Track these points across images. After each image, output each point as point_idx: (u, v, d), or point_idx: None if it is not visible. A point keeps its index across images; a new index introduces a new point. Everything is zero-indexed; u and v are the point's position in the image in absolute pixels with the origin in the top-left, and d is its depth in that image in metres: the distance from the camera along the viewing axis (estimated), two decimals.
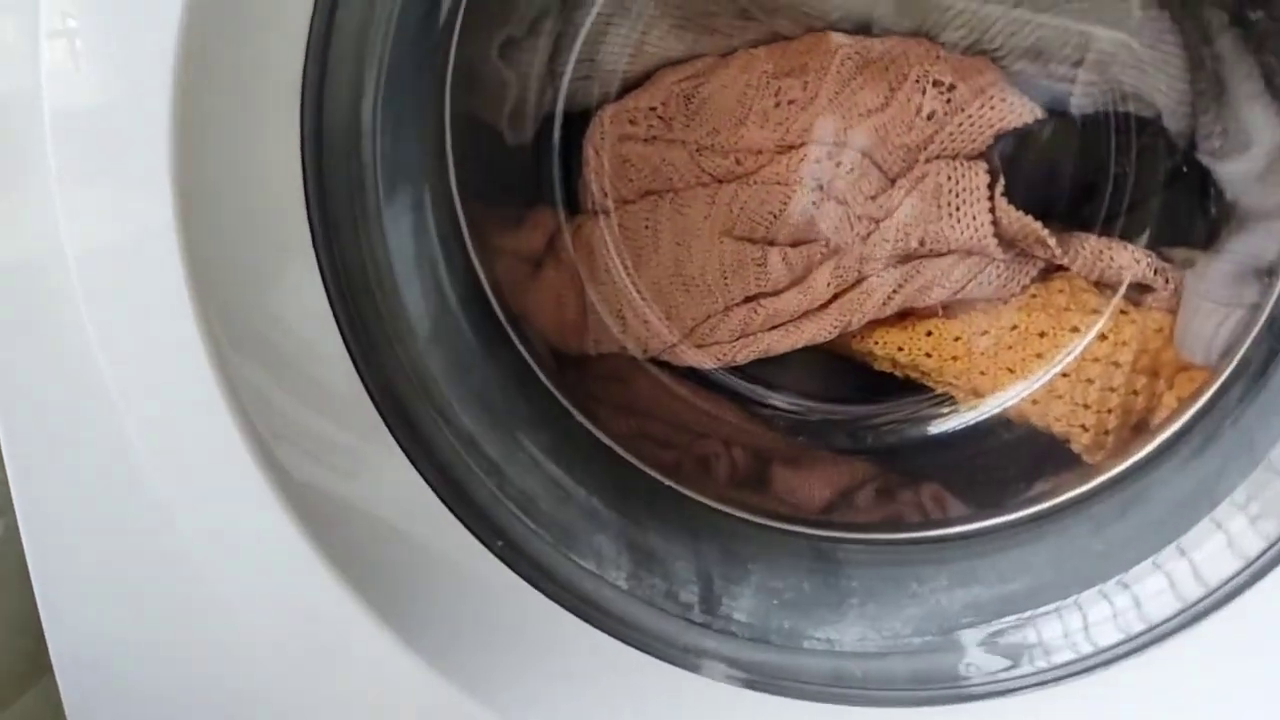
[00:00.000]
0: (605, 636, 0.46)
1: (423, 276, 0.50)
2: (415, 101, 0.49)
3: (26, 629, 0.71)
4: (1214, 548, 0.40)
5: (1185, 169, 0.49)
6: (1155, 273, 0.51)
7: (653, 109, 0.54)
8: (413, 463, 0.45)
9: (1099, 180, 0.53)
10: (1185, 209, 0.50)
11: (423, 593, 0.45)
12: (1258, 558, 0.37)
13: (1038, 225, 0.50)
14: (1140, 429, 0.51)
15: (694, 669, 0.46)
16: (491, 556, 0.46)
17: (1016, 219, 0.50)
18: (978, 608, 0.46)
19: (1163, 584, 0.41)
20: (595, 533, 0.50)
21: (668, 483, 0.55)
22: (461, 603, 0.46)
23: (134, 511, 0.45)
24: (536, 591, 0.46)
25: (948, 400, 0.58)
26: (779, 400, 0.61)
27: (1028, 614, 0.44)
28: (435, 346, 0.50)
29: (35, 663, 0.73)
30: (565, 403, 0.55)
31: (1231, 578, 0.38)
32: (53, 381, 0.44)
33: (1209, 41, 0.45)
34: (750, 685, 0.45)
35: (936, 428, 0.58)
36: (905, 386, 0.59)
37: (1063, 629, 0.43)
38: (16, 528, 0.67)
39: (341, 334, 0.43)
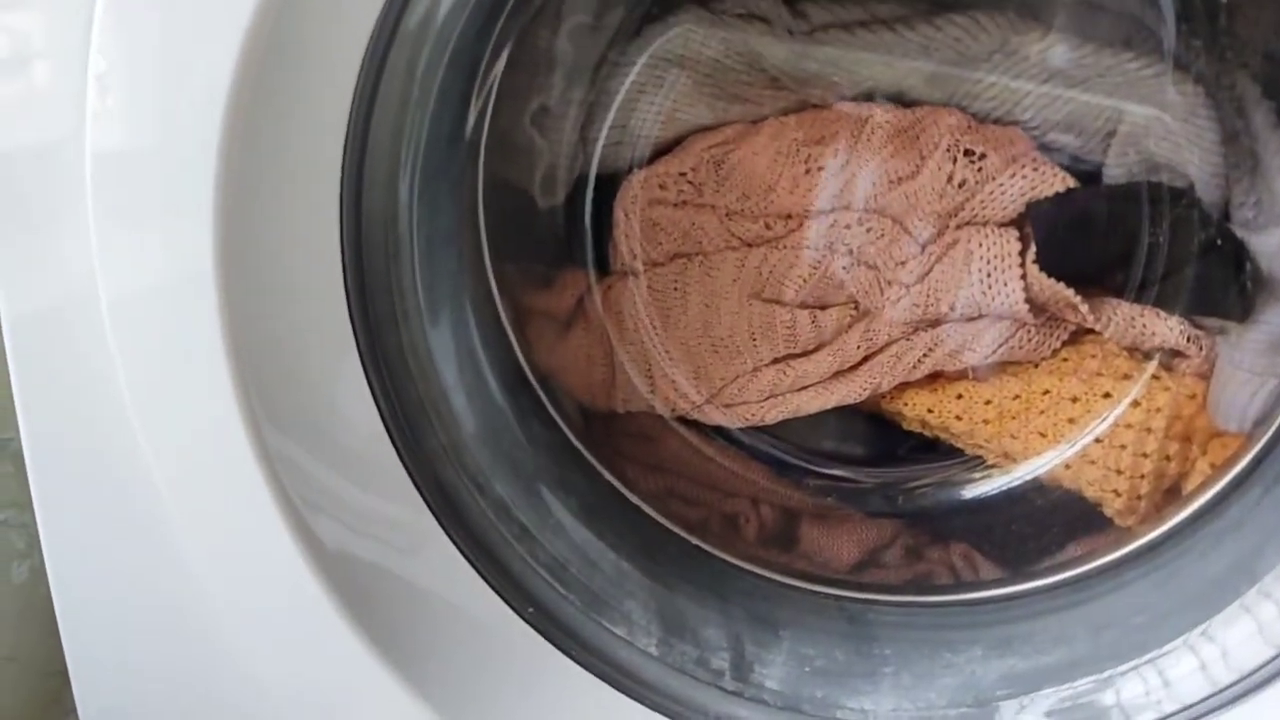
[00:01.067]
0: (636, 705, 0.46)
1: (457, 346, 0.51)
2: (449, 172, 0.50)
3: (51, 670, 0.72)
4: (1244, 632, 0.40)
5: (1220, 240, 0.48)
6: (1189, 340, 0.51)
7: (683, 174, 0.54)
8: (445, 530, 0.46)
9: (1133, 248, 0.53)
10: (1220, 279, 0.50)
11: (454, 660, 0.45)
12: None
13: (1070, 292, 0.50)
14: (1173, 494, 0.51)
15: None
16: (523, 623, 0.46)
17: (1048, 286, 0.50)
18: (1014, 679, 0.46)
19: (1194, 664, 0.41)
20: (625, 598, 0.50)
21: (695, 542, 0.55)
22: (492, 670, 0.46)
23: (163, 572, 0.46)
24: (568, 659, 0.46)
25: (980, 463, 0.58)
26: (807, 461, 0.61)
27: (1066, 687, 0.44)
28: (469, 415, 0.50)
29: (60, 704, 0.74)
30: (595, 463, 0.56)
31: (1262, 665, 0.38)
32: (84, 432, 0.45)
33: (1243, 115, 0.45)
34: None
35: (970, 491, 0.58)
36: (936, 449, 0.58)
37: (1100, 703, 0.42)
38: (41, 570, 0.69)
39: (376, 405, 0.44)
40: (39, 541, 0.69)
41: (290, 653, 0.45)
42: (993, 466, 0.57)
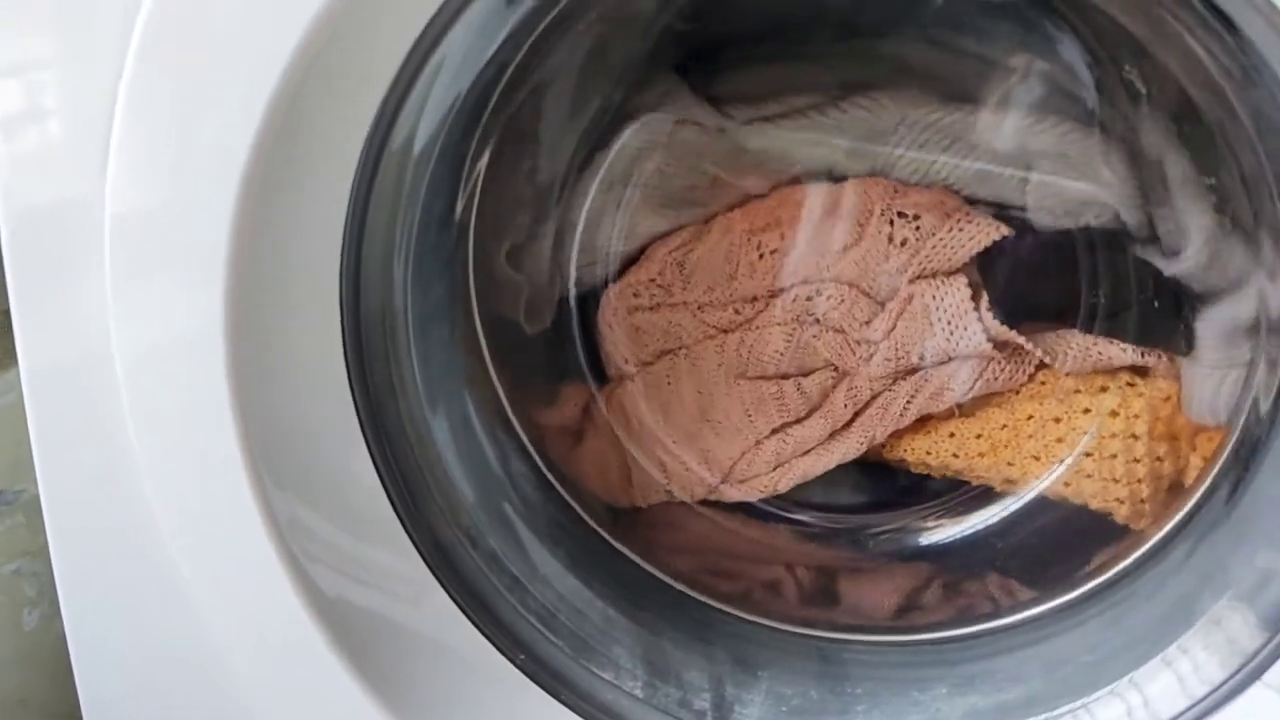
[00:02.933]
0: None
1: (450, 416, 0.53)
2: (441, 254, 0.53)
3: (60, 713, 0.74)
4: (1166, 684, 0.43)
5: (1156, 284, 0.52)
6: (1144, 355, 0.53)
7: (652, 280, 0.58)
8: (440, 580, 0.48)
9: (1077, 286, 0.56)
10: (1160, 320, 0.53)
11: (447, 704, 0.47)
12: (1219, 685, 0.40)
13: (1020, 339, 0.53)
14: (1176, 489, 0.53)
15: None
16: (514, 669, 0.48)
17: (1001, 331, 0.53)
18: (976, 715, 0.49)
19: (1120, 711, 0.43)
20: (612, 644, 0.52)
21: (679, 588, 0.58)
22: (485, 714, 0.48)
23: (173, 619, 0.47)
24: (557, 702, 0.48)
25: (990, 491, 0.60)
26: (827, 518, 0.63)
27: None
28: (465, 482, 0.52)
29: None
30: (584, 515, 0.58)
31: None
32: (97, 484, 0.46)
33: (1138, 135, 0.48)
34: None
35: (982, 520, 0.60)
36: (947, 485, 0.61)
37: None
38: (50, 617, 0.71)
39: (375, 468, 0.46)
40: (49, 589, 0.71)
41: (292, 695, 0.46)
42: (1001, 493, 0.59)
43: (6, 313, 0.78)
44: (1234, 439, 0.49)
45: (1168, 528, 0.51)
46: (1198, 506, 0.50)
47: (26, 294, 0.44)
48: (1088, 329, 0.55)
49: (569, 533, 0.57)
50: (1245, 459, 0.48)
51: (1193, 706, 0.41)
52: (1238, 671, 0.40)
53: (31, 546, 0.70)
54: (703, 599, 0.57)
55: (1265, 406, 0.47)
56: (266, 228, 0.40)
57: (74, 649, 0.50)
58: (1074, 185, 0.49)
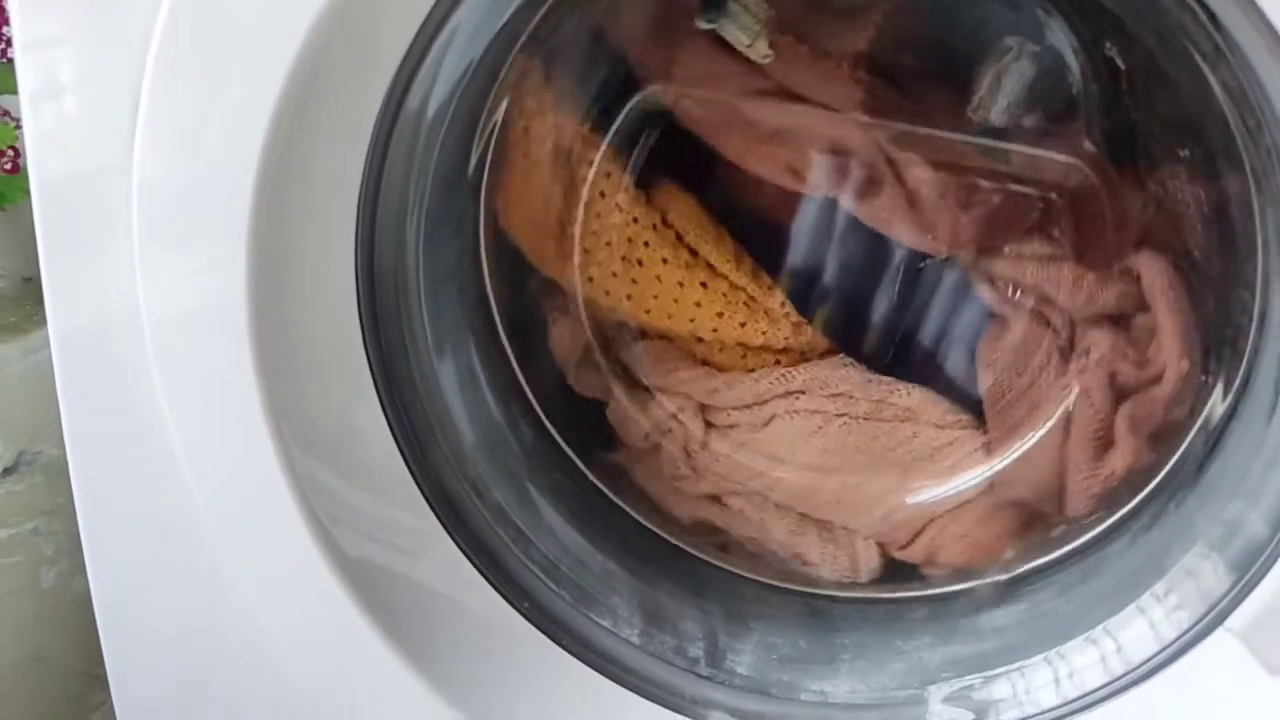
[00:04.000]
0: (620, 688, 0.51)
1: (458, 368, 0.55)
2: (452, 213, 0.54)
3: (77, 670, 0.76)
4: (1138, 631, 0.45)
5: None
6: None
7: None
8: (449, 534, 0.50)
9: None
10: None
11: (458, 650, 0.49)
12: (1185, 631, 0.43)
13: None
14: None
15: (701, 718, 0.50)
16: (519, 616, 0.51)
17: None
18: (956, 663, 0.51)
19: (1094, 657, 0.46)
20: (611, 594, 0.55)
21: (675, 543, 0.60)
22: (492, 659, 0.50)
23: (197, 577, 0.49)
24: (559, 648, 0.51)
25: None
26: None
27: (989, 673, 0.49)
28: (469, 428, 0.54)
29: (85, 702, 0.78)
30: (585, 469, 0.60)
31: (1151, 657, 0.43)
32: (123, 443, 0.48)
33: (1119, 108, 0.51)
34: None
35: None
36: None
37: (1011, 689, 0.48)
38: (68, 575, 0.73)
39: (388, 423, 0.48)
40: (67, 548, 0.73)
41: (314, 646, 0.48)
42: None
43: (27, 279, 0.81)
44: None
45: (1141, 494, 0.53)
46: (1170, 474, 0.52)
47: (56, 260, 0.45)
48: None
49: (570, 487, 0.59)
50: (1218, 436, 0.50)
51: (1162, 650, 0.44)
52: (1203, 617, 0.43)
53: (49, 506, 0.71)
54: (698, 554, 0.60)
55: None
56: (286, 195, 0.42)
57: (99, 607, 0.52)
58: (1058, 157, 0.51)
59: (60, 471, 0.72)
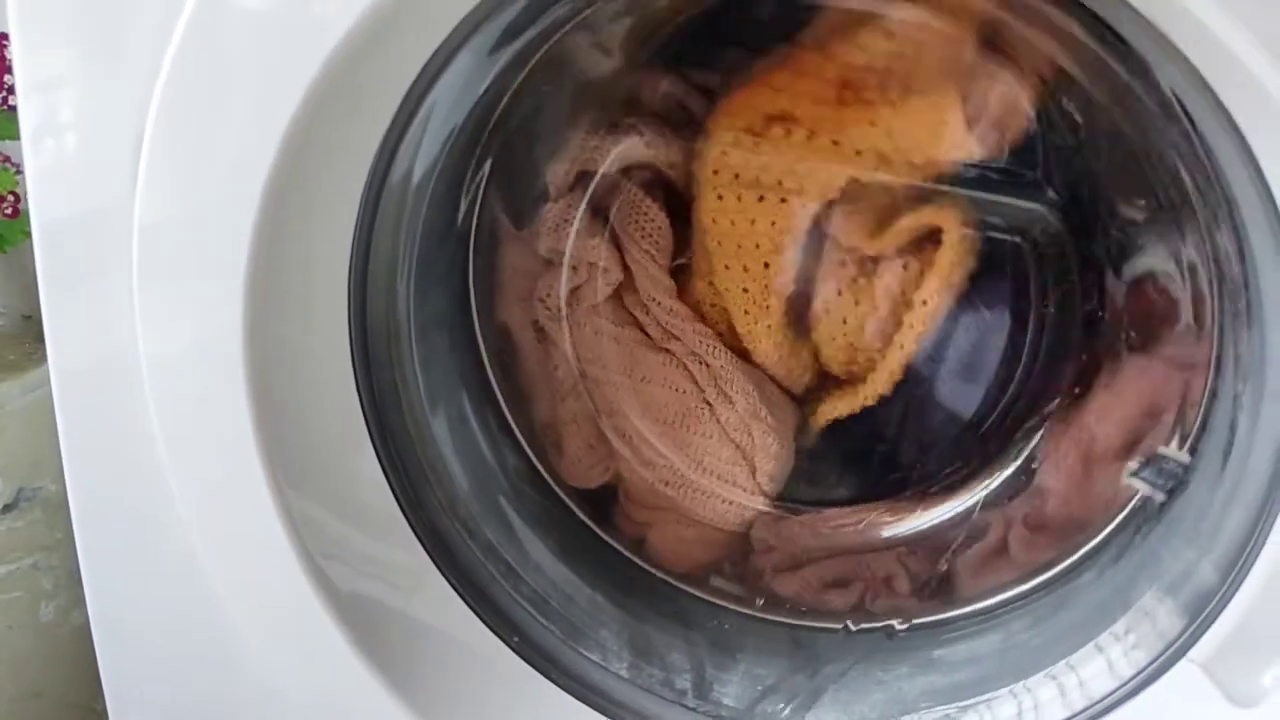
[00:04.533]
0: None
1: (449, 407, 0.57)
2: (441, 264, 0.56)
3: (74, 704, 0.77)
4: (1097, 668, 0.46)
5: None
6: None
7: None
8: (440, 570, 0.51)
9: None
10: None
11: (449, 684, 0.50)
12: (1149, 663, 0.44)
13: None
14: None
15: None
16: (508, 651, 0.52)
17: None
18: (934, 693, 0.52)
19: (1055, 692, 0.47)
20: (599, 628, 0.56)
21: (661, 577, 0.61)
22: (483, 692, 0.51)
23: (194, 611, 0.50)
24: (549, 681, 0.52)
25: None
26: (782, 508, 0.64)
27: (963, 703, 0.50)
28: (459, 467, 0.56)
29: None
30: (571, 505, 0.62)
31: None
32: (122, 481, 0.48)
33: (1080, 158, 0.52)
34: None
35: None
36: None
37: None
38: (66, 610, 0.74)
39: (381, 465, 0.50)
40: (65, 584, 0.74)
41: (306, 679, 0.49)
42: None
43: (27, 317, 0.82)
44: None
45: (1109, 528, 0.55)
46: (1135, 509, 0.54)
47: (56, 299, 0.46)
48: (1037, 339, 0.59)
49: (558, 523, 0.61)
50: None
51: (1120, 687, 0.45)
52: (1158, 657, 0.44)
53: (48, 541, 0.72)
54: (684, 588, 0.61)
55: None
56: (281, 246, 0.43)
57: (99, 640, 0.53)
58: (1022, 204, 0.53)
59: (59, 507, 0.73)
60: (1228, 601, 0.42)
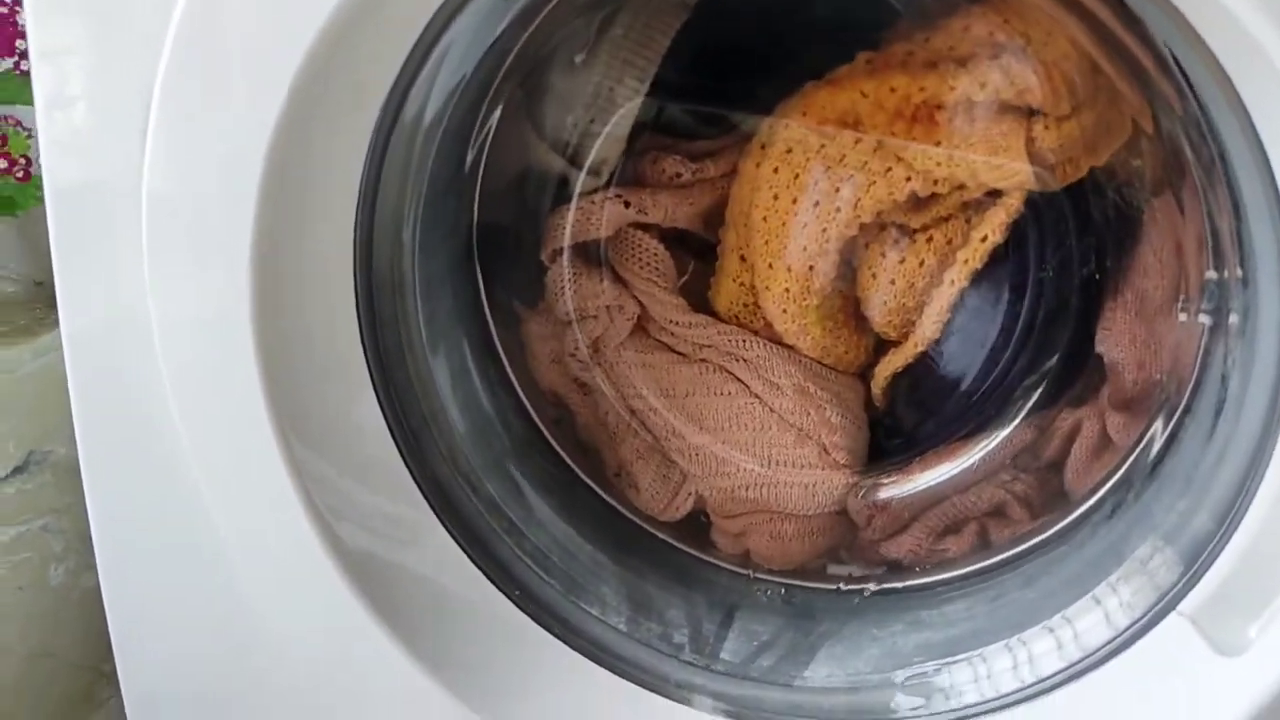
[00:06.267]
0: (607, 673, 0.52)
1: (451, 361, 0.57)
2: (446, 218, 0.57)
3: (84, 666, 0.78)
4: (1093, 619, 0.47)
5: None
6: None
7: None
8: (444, 525, 0.52)
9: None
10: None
11: (452, 637, 0.51)
12: (1140, 616, 0.45)
13: None
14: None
15: (685, 702, 0.52)
16: (510, 604, 0.53)
17: None
18: (928, 648, 0.53)
19: (1051, 644, 0.48)
20: (599, 583, 0.57)
21: (663, 538, 0.62)
22: (484, 645, 0.52)
23: (204, 570, 0.51)
24: (549, 634, 0.53)
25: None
26: None
27: (949, 659, 0.51)
28: (462, 423, 0.56)
29: (91, 700, 0.80)
30: (573, 466, 0.62)
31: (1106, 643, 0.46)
32: (133, 441, 0.50)
33: None
34: (733, 716, 0.52)
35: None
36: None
37: (973, 674, 0.50)
38: (76, 572, 0.75)
39: (385, 418, 0.51)
40: (75, 547, 0.75)
41: (314, 636, 0.50)
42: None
43: (38, 283, 0.83)
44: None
45: (1105, 487, 0.55)
46: (1131, 467, 0.54)
47: (68, 264, 0.47)
48: (1034, 305, 0.59)
49: (560, 483, 0.61)
50: (1174, 430, 0.52)
51: (1116, 637, 0.46)
52: (1154, 605, 0.45)
53: (58, 504, 0.72)
54: (683, 548, 0.62)
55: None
56: (289, 203, 0.44)
57: (109, 602, 0.54)
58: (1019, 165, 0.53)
59: (69, 471, 0.74)
60: (1223, 548, 0.42)
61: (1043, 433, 0.60)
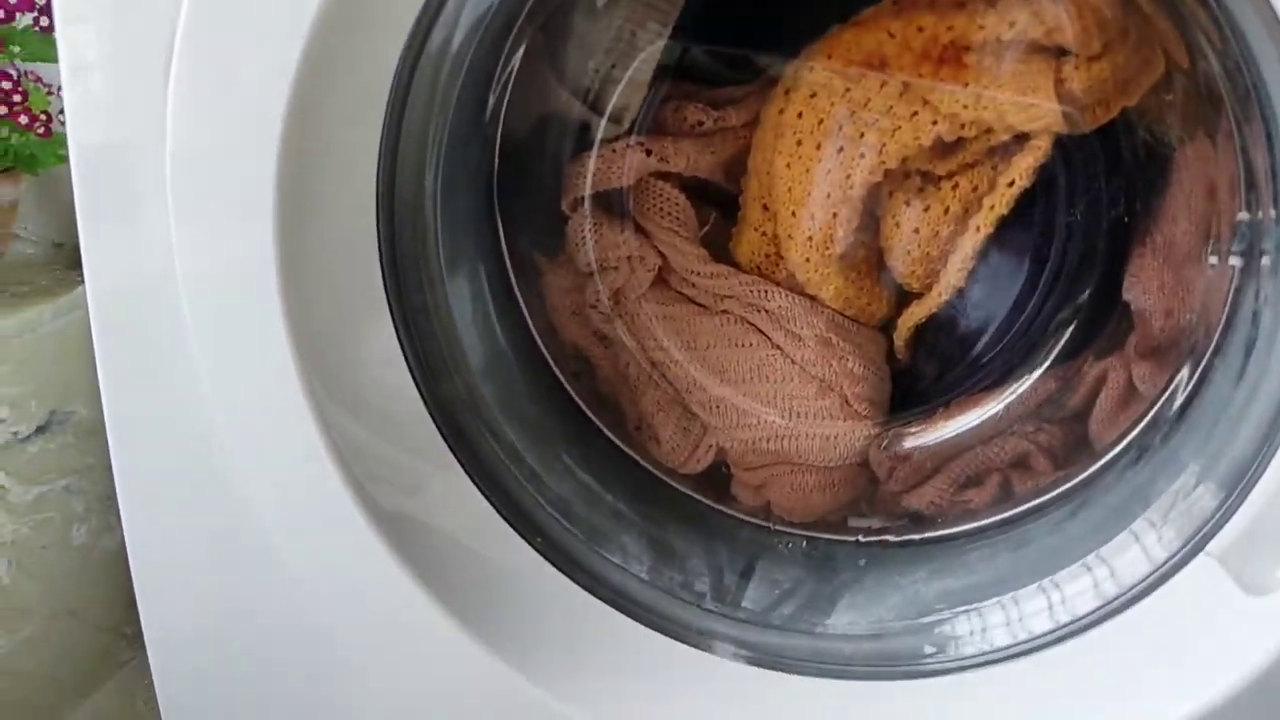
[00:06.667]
0: (629, 620, 0.53)
1: (475, 310, 0.57)
2: (467, 170, 0.56)
3: (106, 626, 0.79)
4: (1132, 555, 0.47)
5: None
6: None
7: None
8: (468, 474, 0.52)
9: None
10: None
11: (473, 583, 0.51)
12: (1170, 558, 0.45)
13: None
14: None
15: (706, 649, 0.52)
16: (533, 552, 0.53)
17: None
18: (950, 595, 0.53)
19: (1089, 582, 0.48)
20: (621, 533, 0.57)
21: (684, 491, 0.62)
22: (508, 591, 0.52)
23: (229, 525, 0.51)
24: (571, 582, 0.53)
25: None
26: None
27: (983, 603, 0.51)
28: (486, 374, 0.56)
29: (114, 657, 0.80)
30: (595, 419, 0.62)
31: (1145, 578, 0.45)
32: (160, 403, 0.50)
33: None
34: (755, 663, 0.52)
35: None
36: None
37: (1005, 617, 0.50)
38: (99, 532, 0.75)
39: (409, 369, 0.50)
40: (97, 508, 0.75)
41: (343, 588, 0.50)
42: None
43: (57, 245, 0.83)
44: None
45: (1130, 436, 0.55)
46: (1160, 411, 0.54)
47: (94, 225, 0.48)
48: (1061, 251, 0.59)
49: (581, 434, 0.62)
50: (1203, 373, 0.51)
51: (1153, 572, 0.46)
52: (1193, 537, 0.44)
53: (80, 465, 0.73)
54: (703, 500, 0.62)
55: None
56: (310, 157, 0.44)
57: (134, 562, 0.54)
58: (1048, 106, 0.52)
59: (90, 432, 0.74)
60: (1255, 484, 0.42)
61: (1068, 383, 0.59)
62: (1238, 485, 0.43)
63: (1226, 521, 0.43)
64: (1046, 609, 0.48)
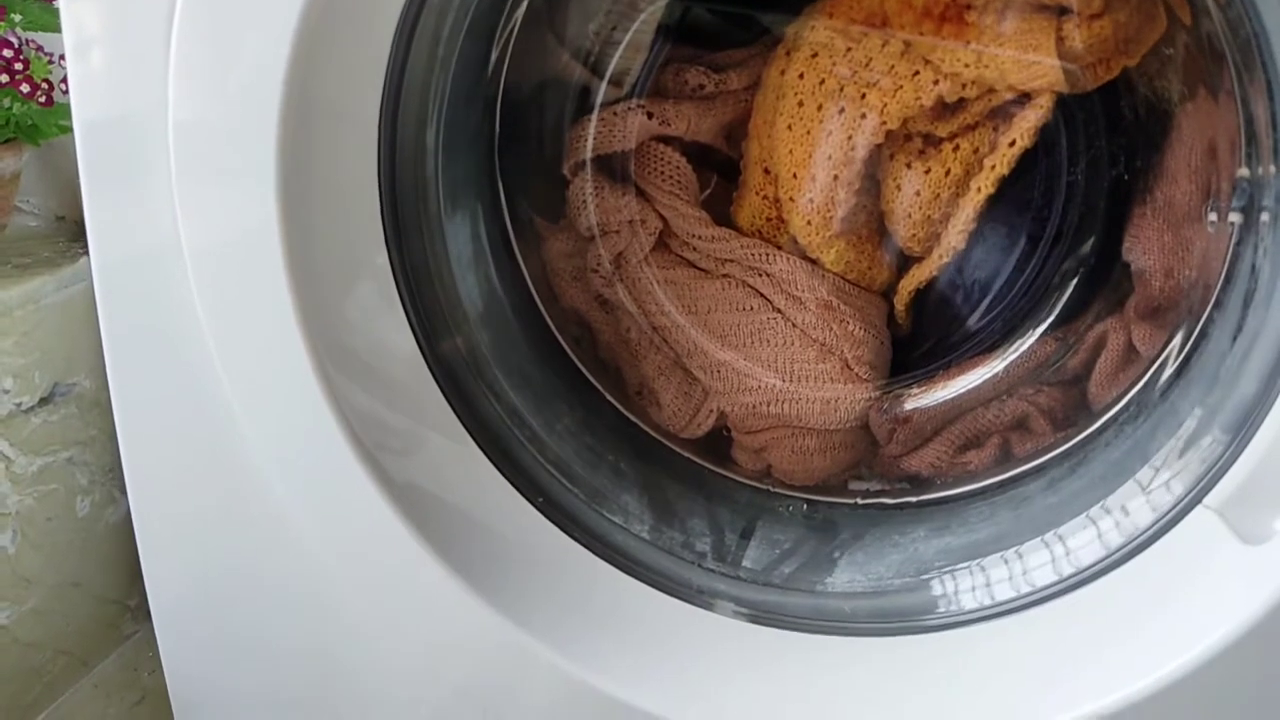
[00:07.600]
0: (631, 579, 0.53)
1: (476, 272, 0.57)
2: (468, 133, 0.56)
3: (109, 598, 0.79)
4: (1137, 505, 0.47)
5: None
6: None
7: None
8: (470, 434, 0.52)
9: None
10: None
11: (476, 540, 0.52)
12: (1169, 511, 0.45)
13: None
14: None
15: (707, 607, 0.53)
16: (535, 511, 0.53)
17: None
18: (949, 552, 0.53)
19: (1092, 534, 0.48)
20: (622, 492, 0.57)
21: (684, 454, 0.63)
22: (510, 549, 0.52)
23: (235, 492, 0.51)
24: (573, 541, 0.53)
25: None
26: None
27: (983, 559, 0.51)
28: (486, 331, 0.57)
29: (118, 629, 0.81)
30: (594, 383, 0.63)
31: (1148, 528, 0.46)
32: (166, 373, 0.50)
33: None
34: (755, 620, 0.52)
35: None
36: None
37: (1008, 572, 0.50)
38: (102, 504, 0.76)
39: (410, 327, 0.51)
40: (100, 480, 0.76)
41: (350, 550, 0.50)
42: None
43: (60, 217, 0.83)
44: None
45: (1132, 392, 0.55)
46: (1159, 368, 0.54)
47: (98, 196, 0.48)
48: (1062, 211, 0.59)
49: (583, 397, 0.62)
50: (1202, 328, 0.52)
51: (1158, 520, 0.46)
52: (1195, 486, 0.45)
53: (83, 437, 0.74)
54: (703, 462, 0.62)
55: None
56: (311, 121, 0.44)
57: (140, 533, 0.54)
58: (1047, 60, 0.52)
59: (93, 404, 0.74)
60: (1254, 435, 0.42)
61: (1067, 345, 0.59)
62: (1242, 429, 0.43)
63: (1225, 472, 0.43)
64: (1050, 562, 0.48)
